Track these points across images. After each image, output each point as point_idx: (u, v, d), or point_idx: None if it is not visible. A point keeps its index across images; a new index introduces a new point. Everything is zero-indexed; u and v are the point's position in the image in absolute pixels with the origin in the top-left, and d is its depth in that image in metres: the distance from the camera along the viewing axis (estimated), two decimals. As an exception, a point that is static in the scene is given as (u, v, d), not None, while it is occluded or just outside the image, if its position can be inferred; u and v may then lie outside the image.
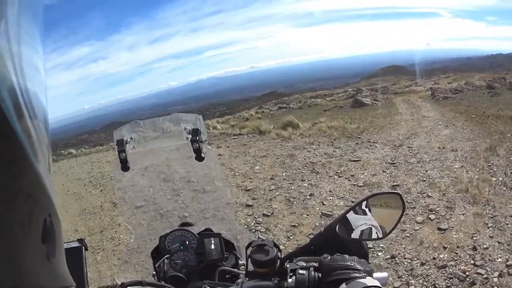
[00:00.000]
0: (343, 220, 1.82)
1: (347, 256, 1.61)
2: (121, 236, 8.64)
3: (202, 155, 2.16)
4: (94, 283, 6.75)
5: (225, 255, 2.17)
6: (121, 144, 2.16)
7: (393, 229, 1.85)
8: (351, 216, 1.84)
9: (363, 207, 1.87)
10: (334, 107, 28.06)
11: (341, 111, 24.83)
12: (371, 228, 1.83)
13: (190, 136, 2.16)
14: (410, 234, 6.83)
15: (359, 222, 1.83)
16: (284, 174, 10.18)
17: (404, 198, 1.80)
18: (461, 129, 14.62)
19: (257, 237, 6.27)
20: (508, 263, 5.84)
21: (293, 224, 7.29)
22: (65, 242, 1.97)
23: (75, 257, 2.03)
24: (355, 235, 1.81)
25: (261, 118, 25.00)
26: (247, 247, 1.91)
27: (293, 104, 36.45)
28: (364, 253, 1.80)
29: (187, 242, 2.20)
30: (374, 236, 1.84)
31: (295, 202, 8.20)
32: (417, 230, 6.94)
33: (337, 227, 1.80)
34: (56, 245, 0.75)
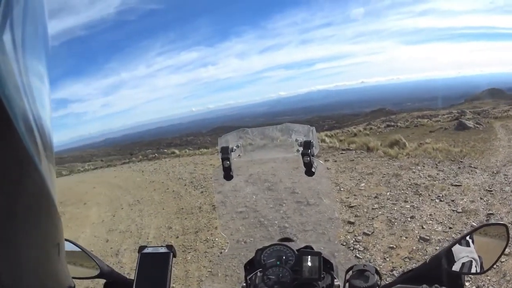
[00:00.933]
0: (448, 253, 1.79)
1: (438, 285, 1.62)
2: (216, 239, 8.73)
3: (313, 169, 2.01)
4: (178, 280, 6.89)
5: (322, 276, 2.00)
6: (225, 151, 2.12)
7: (494, 263, 1.78)
8: (456, 249, 1.80)
9: (468, 240, 1.83)
10: (439, 128, 27.36)
11: (445, 133, 24.27)
12: (471, 261, 1.78)
13: (301, 149, 2.00)
14: (496, 265, 6.46)
15: (462, 254, 1.79)
16: (388, 194, 10.06)
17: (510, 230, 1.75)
18: None
19: (358, 261, 6.24)
20: None
21: (391, 245, 7.19)
22: (153, 246, 2.06)
23: (162, 262, 1.98)
24: (456, 267, 1.77)
25: (369, 135, 24.87)
26: (347, 271, 1.90)
27: (400, 123, 35.90)
28: (461, 285, 1.79)
29: (284, 258, 2.08)
30: (473, 270, 1.78)
31: (395, 223, 8.09)
32: (503, 262, 6.62)
33: (442, 258, 1.77)
34: (57, 245, 0.77)
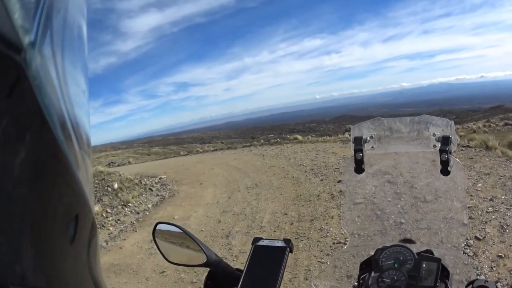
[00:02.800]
0: None
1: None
2: (331, 229, 8.78)
3: (449, 168, 1.94)
4: (287, 268, 6.79)
5: (437, 284, 1.84)
6: (359, 142, 2.06)
7: None
8: None
9: None
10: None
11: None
12: None
13: (439, 144, 1.94)
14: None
15: None
16: (503, 197, 9.61)
17: None
18: None
19: (479, 276, 6.19)
20: None
21: (499, 254, 7.01)
22: (269, 239, 1.94)
23: (277, 257, 1.83)
24: None
25: (488, 132, 23.96)
26: (467, 285, 1.80)
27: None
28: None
29: (402, 260, 1.94)
30: None
31: (507, 230, 7.80)
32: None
33: None
34: (91, 251, 0.79)
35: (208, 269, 2.04)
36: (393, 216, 4.04)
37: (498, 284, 1.82)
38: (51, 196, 0.60)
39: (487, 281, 1.74)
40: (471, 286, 1.75)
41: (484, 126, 30.93)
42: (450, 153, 1.91)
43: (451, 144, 1.92)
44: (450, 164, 1.92)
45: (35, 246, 0.57)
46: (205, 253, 1.99)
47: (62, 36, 0.66)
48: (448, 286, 1.92)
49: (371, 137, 2.11)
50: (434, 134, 1.97)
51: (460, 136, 17.72)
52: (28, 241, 0.56)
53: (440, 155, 1.90)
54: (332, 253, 7.82)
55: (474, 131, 25.39)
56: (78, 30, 0.77)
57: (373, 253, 2.05)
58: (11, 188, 0.52)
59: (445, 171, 1.94)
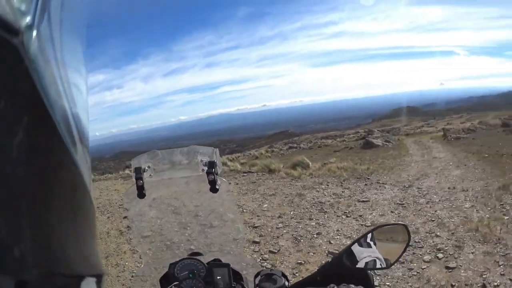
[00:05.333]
0: (349, 252, 1.88)
1: (353, 286, 1.69)
2: (126, 263, 8.67)
3: (217, 187, 2.16)
4: None
5: (233, 285, 2.15)
6: (139, 171, 2.20)
7: (398, 259, 1.91)
8: (356, 248, 1.89)
9: (368, 240, 1.93)
10: (344, 148, 28.11)
11: (351, 152, 24.84)
12: (375, 260, 1.87)
13: (206, 168, 2.18)
14: (417, 272, 6.83)
15: (364, 254, 1.87)
16: (292, 213, 10.18)
17: (409, 229, 1.83)
18: (472, 169, 14.64)
19: (265, 267, 6.28)
20: None
21: (299, 261, 7.27)
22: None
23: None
24: (360, 264, 1.86)
25: (271, 157, 25.05)
26: (255, 276, 2.01)
27: (303, 144, 36.48)
28: (371, 284, 1.85)
29: (195, 271, 2.19)
30: (378, 265, 1.89)
31: (302, 240, 8.18)
32: (424, 268, 6.94)
33: (343, 257, 1.87)
34: (90, 233, 0.78)
35: None
36: (182, 245, 3.92)
37: (283, 272, 2.03)
38: (49, 178, 0.59)
39: (272, 269, 2.00)
40: (259, 276, 1.98)
41: (267, 151, 32.39)
42: (216, 174, 2.16)
43: (217, 167, 2.18)
44: (217, 183, 2.15)
45: (34, 228, 0.55)
46: None
47: (60, 19, 0.64)
48: (245, 286, 2.18)
49: (149, 167, 2.27)
50: (201, 161, 2.23)
51: (242, 163, 18.43)
52: (27, 224, 0.54)
53: (208, 176, 2.14)
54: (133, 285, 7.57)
55: (257, 157, 26.45)
56: (77, 12, 0.76)
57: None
58: (10, 170, 0.51)
59: (213, 189, 2.16)
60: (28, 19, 0.49)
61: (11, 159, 0.50)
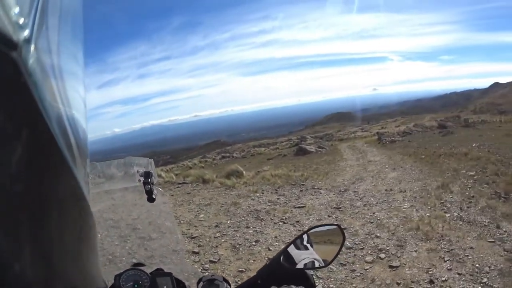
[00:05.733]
0: (286, 253, 1.91)
1: (294, 286, 1.70)
2: None
3: (154, 196, 2.18)
4: None
5: None
6: (147, 176, 2.19)
7: (335, 257, 1.96)
8: (293, 251, 1.93)
9: (305, 242, 1.97)
10: (277, 155, 28.22)
11: (284, 160, 24.91)
12: (313, 261, 1.91)
13: (142, 179, 2.19)
14: (361, 273, 6.90)
15: (302, 256, 1.90)
16: (229, 222, 10.17)
17: (349, 232, 1.90)
18: (409, 170, 14.94)
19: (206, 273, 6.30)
20: None
21: (240, 269, 7.27)
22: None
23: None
24: (299, 266, 1.89)
25: (205, 167, 24.92)
26: (198, 282, 2.02)
27: (236, 153, 36.42)
28: (311, 284, 1.88)
29: (140, 281, 2.16)
30: (316, 265, 1.92)
31: (241, 249, 8.20)
32: (367, 269, 7.03)
33: (281, 259, 1.91)
34: (90, 246, 0.79)
35: None
36: (124, 258, 3.90)
37: (224, 277, 2.07)
38: (48, 192, 0.60)
39: (213, 275, 2.03)
40: (201, 282, 2.00)
41: (201, 162, 32.25)
42: (152, 184, 2.17)
43: (152, 177, 2.20)
44: (154, 192, 2.17)
45: (34, 243, 0.56)
46: None
47: (58, 32, 0.65)
48: None
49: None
50: (138, 171, 2.25)
51: (176, 175, 18.22)
52: (27, 238, 0.55)
53: (144, 186, 2.16)
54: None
55: (190, 168, 26.26)
56: (74, 25, 0.78)
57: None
58: (9, 184, 0.51)
59: (150, 199, 2.18)
60: (26, 32, 0.50)
61: (10, 173, 0.50)
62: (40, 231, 0.57)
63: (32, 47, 0.51)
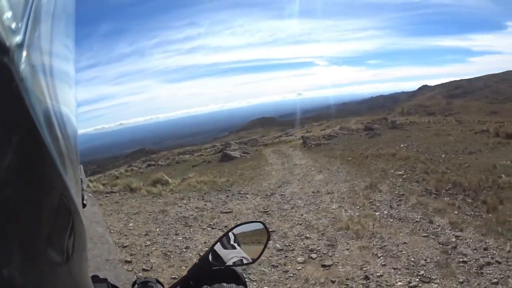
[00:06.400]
0: (215, 253, 1.98)
1: (225, 284, 1.73)
2: None
3: (84, 202, 1.83)
4: None
5: None
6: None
7: (261, 253, 2.06)
8: (222, 251, 2.00)
9: (232, 241, 2.07)
10: (202, 162, 28.43)
11: (209, 166, 25.04)
12: (241, 259, 2.00)
13: None
14: (294, 274, 7.01)
15: (230, 255, 1.99)
16: (158, 230, 10.16)
17: (267, 226, 2.06)
18: (336, 172, 15.24)
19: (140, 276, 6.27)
20: (412, 284, 6.26)
21: (173, 276, 7.30)
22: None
23: None
24: (228, 262, 1.96)
25: (131, 176, 24.54)
26: (132, 285, 1.96)
27: (161, 161, 36.16)
28: (242, 281, 1.94)
29: None
30: (245, 261, 2.00)
31: (172, 256, 8.23)
32: (300, 269, 7.15)
33: (209, 257, 1.93)
34: (80, 255, 0.77)
35: None
36: None
37: (158, 279, 1.94)
38: (38, 200, 0.58)
39: (147, 277, 1.92)
40: (136, 285, 1.89)
41: (127, 170, 31.89)
42: (83, 190, 1.81)
43: (83, 183, 1.90)
44: (85, 198, 1.79)
45: (23, 250, 0.54)
46: None
47: (50, 37, 0.65)
48: None
49: None
50: None
51: (103, 184, 17.93)
52: (16, 245, 0.53)
53: None
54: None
55: (117, 177, 25.89)
56: (67, 31, 0.77)
57: None
58: None
59: (82, 205, 2.01)
60: (18, 37, 0.51)
61: (0, 180, 0.50)
62: (30, 240, 0.56)
63: (25, 52, 0.52)
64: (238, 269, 2.00)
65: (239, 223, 2.07)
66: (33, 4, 0.56)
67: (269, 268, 7.28)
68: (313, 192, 12.60)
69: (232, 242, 2.07)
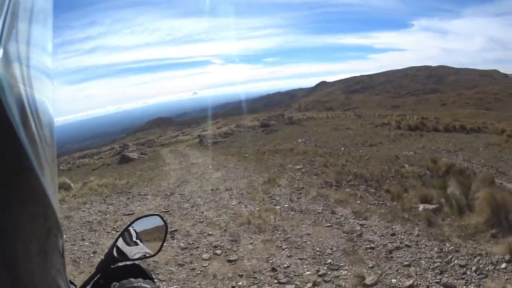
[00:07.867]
0: (117, 249, 1.98)
1: (133, 279, 1.74)
2: None
3: None
4: None
5: None
6: None
7: (162, 245, 2.14)
8: (125, 248, 2.03)
9: (134, 238, 2.10)
10: (102, 165, 28.13)
11: (109, 168, 24.84)
12: (144, 254, 2.06)
13: None
14: (201, 271, 7.07)
15: (133, 251, 2.03)
16: (65, 237, 9.12)
17: (164, 218, 2.13)
18: (233, 169, 15.47)
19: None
20: (320, 273, 6.43)
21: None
22: None
23: None
24: (132, 257, 2.00)
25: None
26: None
27: (62, 166, 35.06)
28: (148, 276, 1.95)
29: None
30: (147, 254, 2.08)
31: (81, 262, 8.12)
32: (206, 266, 7.23)
33: (114, 253, 1.94)
34: (57, 257, 0.78)
35: None
36: None
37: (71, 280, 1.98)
38: (16, 202, 0.59)
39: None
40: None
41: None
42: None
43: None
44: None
45: (1, 252, 0.56)
46: None
47: (27, 36, 0.66)
48: None
49: None
50: None
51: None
52: None
53: None
54: None
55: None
56: (44, 28, 0.78)
57: None
58: None
59: None
60: None
61: None
62: (7, 244, 0.57)
63: (1, 52, 0.53)
64: (144, 264, 2.10)
65: (137, 217, 2.14)
66: (10, 3, 0.58)
67: (176, 267, 7.33)
68: (212, 189, 12.81)
69: (134, 239, 2.10)
